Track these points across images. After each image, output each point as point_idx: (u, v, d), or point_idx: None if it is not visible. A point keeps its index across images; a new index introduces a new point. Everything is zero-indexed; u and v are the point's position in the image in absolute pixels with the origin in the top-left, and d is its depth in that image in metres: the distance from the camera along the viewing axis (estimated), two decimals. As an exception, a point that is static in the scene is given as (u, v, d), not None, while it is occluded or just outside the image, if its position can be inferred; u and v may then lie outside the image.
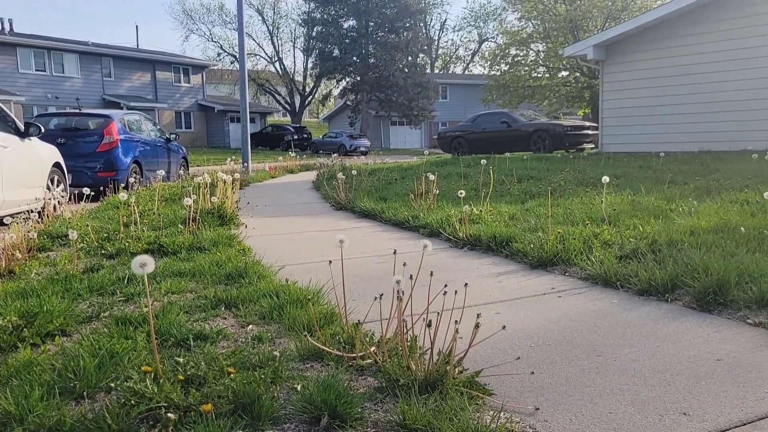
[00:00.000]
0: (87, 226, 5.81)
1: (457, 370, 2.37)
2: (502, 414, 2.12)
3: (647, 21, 14.55)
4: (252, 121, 41.08)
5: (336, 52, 42.44)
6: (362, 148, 36.62)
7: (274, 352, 2.60)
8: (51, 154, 8.09)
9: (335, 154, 22.41)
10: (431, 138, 44.39)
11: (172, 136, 13.81)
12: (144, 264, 2.18)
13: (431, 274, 2.69)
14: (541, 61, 31.99)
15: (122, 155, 10.99)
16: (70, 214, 6.95)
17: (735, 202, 5.98)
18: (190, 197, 5.74)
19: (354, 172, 10.88)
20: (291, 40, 56.47)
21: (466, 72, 60.58)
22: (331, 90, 54.40)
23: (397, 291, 2.40)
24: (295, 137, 40.44)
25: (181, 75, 41.87)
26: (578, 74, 29.66)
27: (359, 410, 2.14)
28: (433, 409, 2.10)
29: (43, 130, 7.66)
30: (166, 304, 3.37)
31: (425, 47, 51.46)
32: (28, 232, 5.15)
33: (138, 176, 11.28)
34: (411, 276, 2.52)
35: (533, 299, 3.66)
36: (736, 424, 2.06)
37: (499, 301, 3.62)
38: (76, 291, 3.72)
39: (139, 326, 3.02)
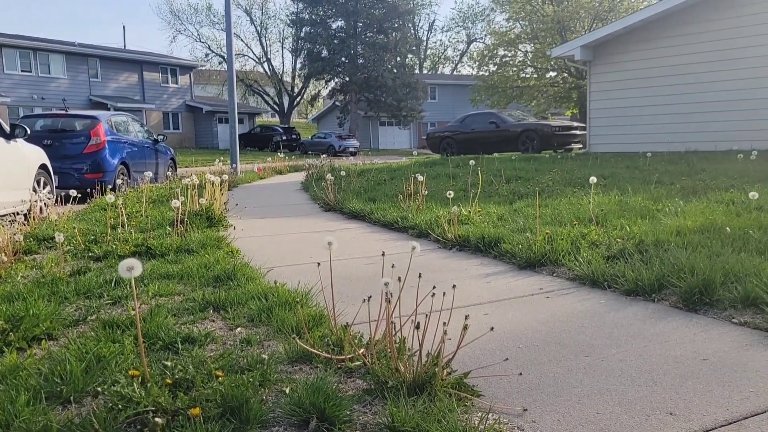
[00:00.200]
0: (74, 228, 5.77)
1: (445, 371, 2.37)
2: (490, 415, 2.13)
3: (634, 22, 14.66)
4: (240, 121, 40.97)
5: (324, 52, 42.42)
6: (351, 149, 36.61)
7: (263, 355, 2.59)
8: (37, 155, 8.02)
9: (324, 155, 22.37)
10: (420, 138, 44.47)
11: (160, 137, 13.74)
12: (131, 268, 2.17)
13: (420, 276, 2.69)
14: (529, 62, 32.11)
15: (109, 157, 10.91)
16: (57, 216, 6.90)
17: (720, 202, 6.03)
18: (178, 199, 5.72)
19: (343, 173, 10.87)
20: (279, 41, 56.60)
21: (455, 72, 60.71)
22: (319, 90, 54.39)
23: (386, 293, 2.41)
24: (284, 138, 40.37)
25: (169, 75, 41.64)
26: (566, 75, 29.79)
27: (348, 413, 2.14)
28: (421, 411, 2.11)
29: (29, 132, 7.60)
30: (153, 307, 3.35)
31: (414, 48, 51.53)
32: (14, 234, 5.11)
33: (125, 178, 11.22)
34: (399, 278, 2.52)
35: (521, 300, 3.68)
36: (722, 424, 2.08)
37: (487, 302, 3.63)
38: (62, 294, 3.70)
39: (126, 329, 3.00)
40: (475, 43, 59.57)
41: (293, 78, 51.78)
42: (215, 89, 52.65)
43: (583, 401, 2.27)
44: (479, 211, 6.34)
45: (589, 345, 2.86)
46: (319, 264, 2.90)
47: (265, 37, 52.66)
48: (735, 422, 2.09)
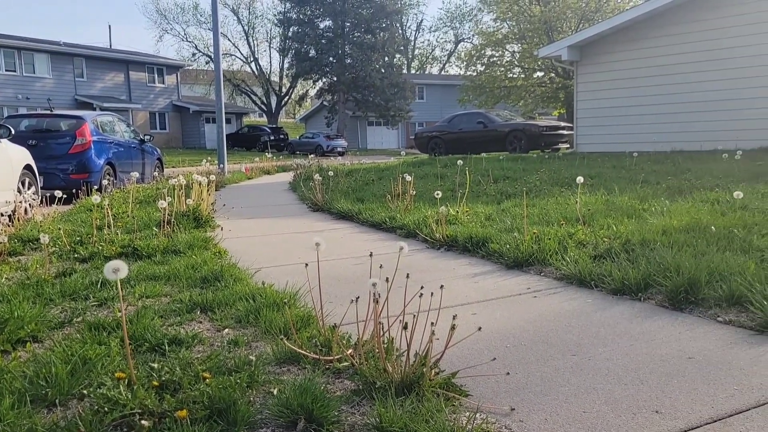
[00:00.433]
0: (59, 229, 5.72)
1: (433, 371, 2.38)
2: (478, 415, 2.14)
3: (621, 22, 14.76)
4: (228, 121, 40.77)
5: (312, 52, 42.31)
6: (339, 149, 36.56)
7: (250, 356, 2.58)
8: (22, 156, 7.94)
9: (312, 155, 22.35)
10: (408, 138, 44.47)
11: (147, 137, 13.67)
12: (117, 269, 2.16)
13: (408, 276, 2.69)
14: (516, 62, 32.21)
15: (95, 157, 10.82)
16: (42, 217, 6.84)
17: (706, 201, 6.09)
18: (165, 199, 5.68)
19: (331, 173, 10.85)
20: (267, 41, 56.36)
21: (443, 72, 60.85)
22: (307, 90, 54.25)
23: (374, 293, 2.40)
24: (272, 138, 40.20)
25: (156, 75, 41.37)
26: (553, 75, 29.92)
27: (336, 413, 2.14)
28: (409, 411, 2.11)
29: (13, 132, 7.53)
30: (140, 309, 3.33)
31: (402, 48, 51.50)
32: (-2, 236, 5.05)
33: (111, 178, 11.14)
34: (387, 278, 2.52)
35: (509, 299, 3.69)
36: (707, 421, 2.10)
37: (475, 302, 3.64)
38: (47, 296, 3.66)
39: (112, 331, 2.98)
40: (462, 43, 59.80)
41: (281, 78, 51.64)
42: (202, 89, 52.41)
43: (570, 400, 2.29)
44: (467, 211, 6.36)
45: (576, 344, 2.88)
46: (307, 265, 2.90)
47: (253, 36, 52.50)
48: (720, 420, 2.11)
